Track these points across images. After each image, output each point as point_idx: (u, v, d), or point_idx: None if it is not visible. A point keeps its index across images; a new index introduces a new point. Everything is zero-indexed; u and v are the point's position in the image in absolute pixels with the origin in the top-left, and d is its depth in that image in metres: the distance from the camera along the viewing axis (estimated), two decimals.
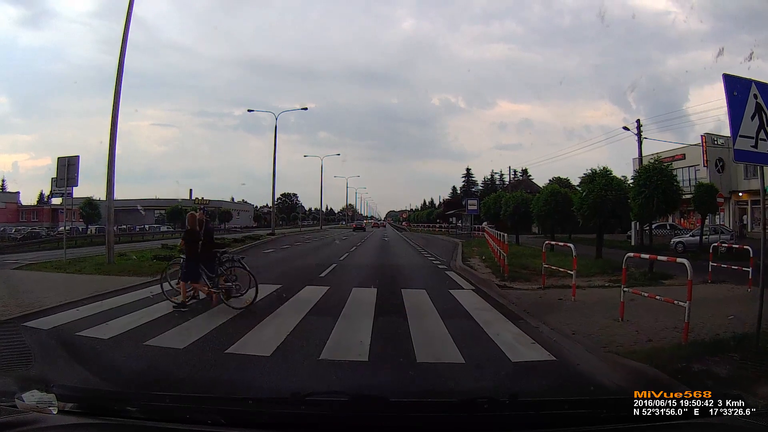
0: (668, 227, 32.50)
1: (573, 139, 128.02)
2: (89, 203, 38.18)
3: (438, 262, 16.01)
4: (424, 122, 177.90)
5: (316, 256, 18.31)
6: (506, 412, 1.94)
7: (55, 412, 1.84)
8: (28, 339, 5.31)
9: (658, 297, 6.77)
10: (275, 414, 1.90)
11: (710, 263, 11.10)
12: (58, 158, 15.66)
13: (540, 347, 5.51)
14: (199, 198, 73.70)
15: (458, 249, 21.11)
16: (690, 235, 26.09)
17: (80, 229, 50.41)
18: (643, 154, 25.88)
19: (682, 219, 38.12)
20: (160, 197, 65.56)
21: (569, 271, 9.97)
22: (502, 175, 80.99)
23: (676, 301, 6.26)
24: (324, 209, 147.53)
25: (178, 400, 2.12)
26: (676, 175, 15.57)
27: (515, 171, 77.68)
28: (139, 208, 53.87)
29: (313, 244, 27.30)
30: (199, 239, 7.90)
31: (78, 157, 15.46)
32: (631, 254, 7.52)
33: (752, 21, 66.29)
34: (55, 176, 16.00)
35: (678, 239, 25.90)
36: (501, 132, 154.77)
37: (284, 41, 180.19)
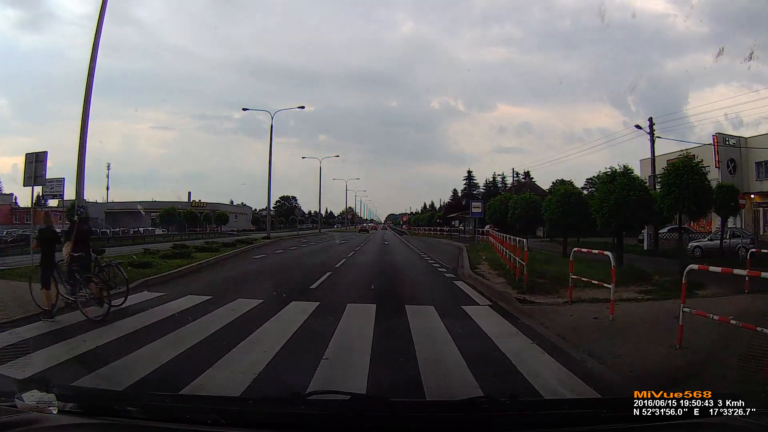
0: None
1: (573, 142, 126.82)
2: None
3: (444, 269, 14.53)
4: (423, 125, 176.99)
5: (310, 262, 16.82)
6: (506, 412, 1.89)
7: (55, 412, 1.78)
8: None
9: (733, 322, 5.31)
10: (275, 414, 1.87)
11: (747, 271, 9.75)
12: (26, 154, 14.23)
13: (596, 396, 4.06)
14: (196, 201, 72.90)
15: (463, 254, 19.70)
16: (708, 239, 24.67)
17: None
18: (645, 156, 24.60)
19: (691, 222, 36.87)
20: (161, 200, 63.67)
21: (601, 284, 8.58)
22: (504, 177, 79.63)
23: (759, 328, 4.84)
24: (324, 212, 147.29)
25: (178, 400, 2.25)
26: (707, 173, 14.24)
27: (517, 173, 76.40)
28: (139, 208, 52.61)
29: (310, 248, 25.82)
30: (57, 239, 7.36)
31: (46, 152, 14.00)
32: (695, 266, 6.00)
33: (752, 23, 65.18)
34: (50, 177, 14.66)
35: (695, 243, 24.47)
36: (501, 135, 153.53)
37: (284, 45, 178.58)
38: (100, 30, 13.34)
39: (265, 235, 33.51)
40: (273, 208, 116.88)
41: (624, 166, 17.12)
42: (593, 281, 8.89)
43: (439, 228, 54.96)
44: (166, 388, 4.04)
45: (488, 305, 8.30)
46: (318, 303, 7.94)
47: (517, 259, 11.34)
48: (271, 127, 34.66)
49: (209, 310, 7.31)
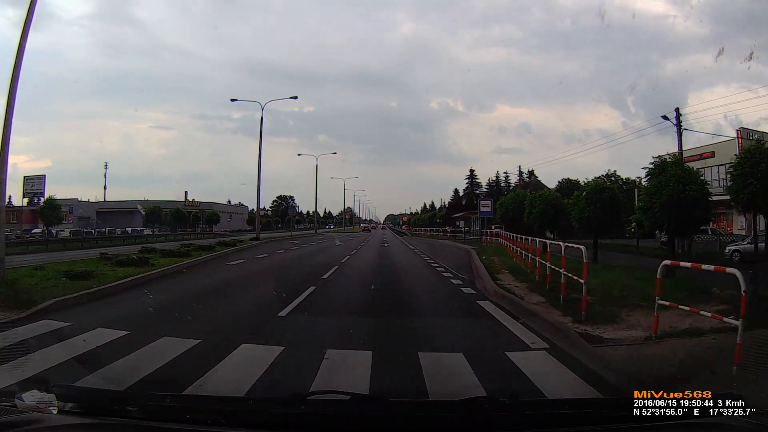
0: (710, 232, 28.42)
1: (572, 142, 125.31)
2: (49, 204, 33.66)
3: (458, 281, 11.69)
4: (423, 126, 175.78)
5: (291, 272, 13.99)
6: (506, 412, 1.85)
7: (55, 412, 1.77)
8: None
9: None
10: (275, 414, 1.84)
11: None
12: None
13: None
14: (190, 200, 71.23)
15: (474, 260, 16.99)
16: (748, 243, 21.91)
17: (54, 232, 47.10)
18: (641, 156, 22.10)
19: (712, 222, 34.46)
20: (160, 199, 61.32)
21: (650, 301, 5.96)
22: (507, 176, 77.06)
23: None
24: (322, 212, 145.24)
25: (178, 400, 2.18)
26: None
27: (521, 172, 73.84)
28: (139, 208, 50.42)
29: (299, 251, 23.02)
30: None
31: None
32: None
33: (752, 23, 63.38)
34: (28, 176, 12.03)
35: (734, 247, 21.70)
36: (500, 136, 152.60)
37: (284, 45, 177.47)
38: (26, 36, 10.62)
39: (254, 236, 30.59)
40: (270, 207, 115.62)
41: (673, 155, 14.43)
42: (667, 303, 6.16)
43: (441, 228, 52.12)
44: None
45: (544, 349, 5.43)
46: (281, 349, 5.03)
47: (563, 272, 8.52)
48: (261, 119, 31.93)
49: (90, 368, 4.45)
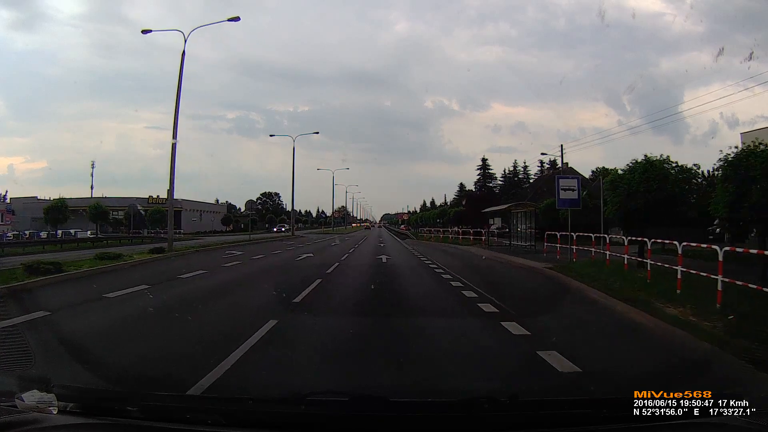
0: None
1: (566, 140, 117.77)
2: None
3: None
4: (418, 125, 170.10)
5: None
6: (506, 412, 1.83)
7: (55, 412, 1.76)
8: None
9: None
10: (275, 414, 1.83)
11: None
12: None
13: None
14: (154, 197, 63.28)
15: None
16: None
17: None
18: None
19: None
20: (132, 197, 56.93)
21: None
22: (526, 167, 65.48)
23: None
24: (315, 212, 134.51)
25: (178, 400, 2.18)
26: None
27: (541, 162, 62.51)
28: (138, 206, 46.45)
29: (211, 282, 11.00)
30: None
31: None
32: None
33: (750, 22, 56.44)
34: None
35: None
36: (495, 134, 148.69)
37: (278, 45, 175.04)
38: None
39: (156, 247, 18.04)
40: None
41: None
42: None
43: (450, 229, 39.63)
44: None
45: None
46: None
47: None
48: (183, 53, 20.15)
49: None
